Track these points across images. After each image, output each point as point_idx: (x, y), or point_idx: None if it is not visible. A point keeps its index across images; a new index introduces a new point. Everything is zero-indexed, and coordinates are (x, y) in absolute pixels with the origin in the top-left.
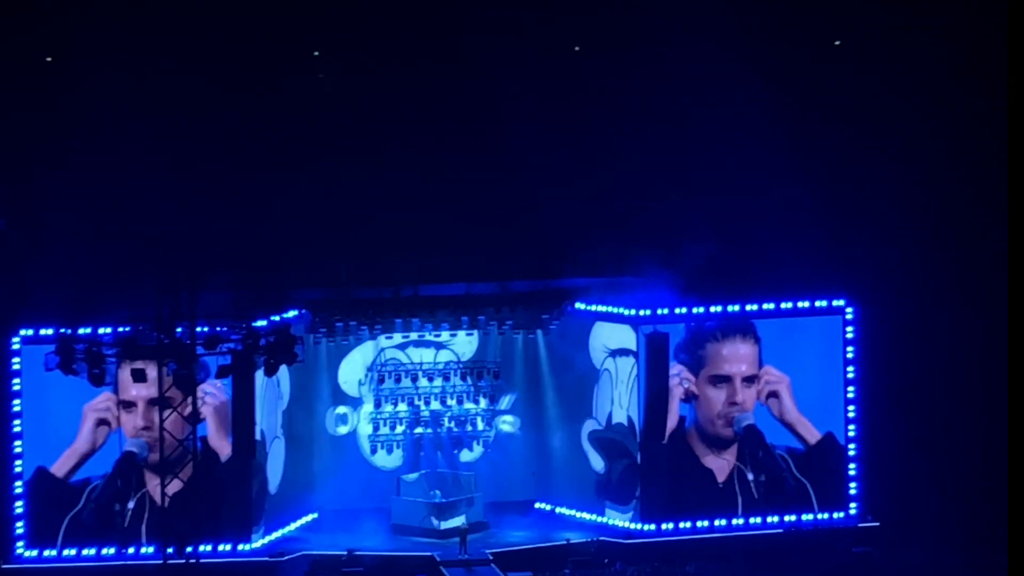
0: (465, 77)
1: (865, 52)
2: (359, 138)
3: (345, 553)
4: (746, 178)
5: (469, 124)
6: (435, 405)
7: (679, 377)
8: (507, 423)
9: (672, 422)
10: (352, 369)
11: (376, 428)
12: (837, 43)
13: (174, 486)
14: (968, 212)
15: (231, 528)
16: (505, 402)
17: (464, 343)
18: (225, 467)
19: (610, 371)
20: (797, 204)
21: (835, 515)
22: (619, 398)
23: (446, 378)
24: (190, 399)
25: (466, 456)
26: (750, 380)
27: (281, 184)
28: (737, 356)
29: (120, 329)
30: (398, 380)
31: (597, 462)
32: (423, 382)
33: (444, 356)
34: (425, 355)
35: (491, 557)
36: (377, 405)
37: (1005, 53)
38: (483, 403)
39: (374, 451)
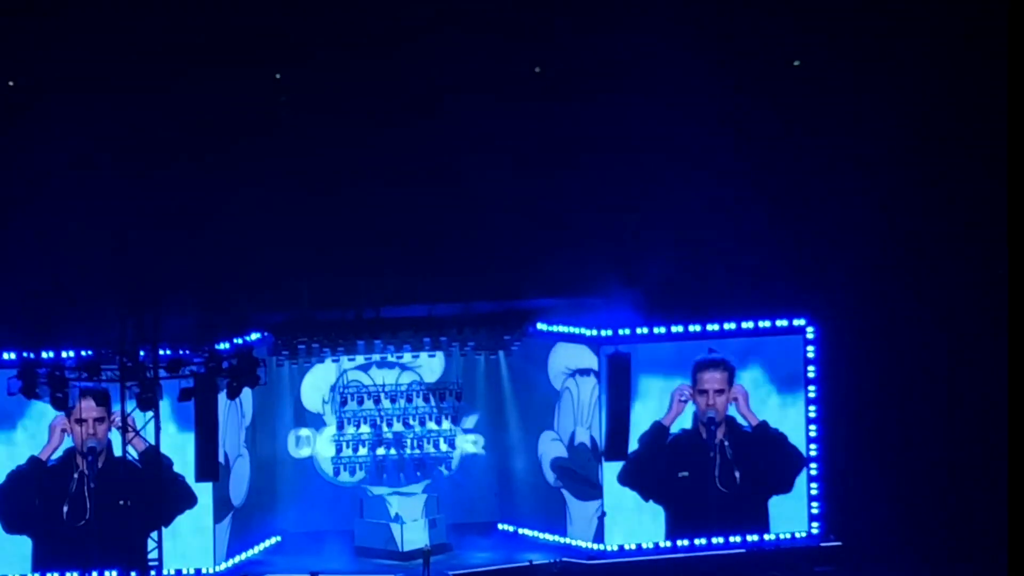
0: (424, 98)
1: (825, 72)
2: (320, 162)
3: None
4: (706, 196)
5: (429, 146)
6: (398, 427)
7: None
8: (470, 444)
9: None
10: (315, 391)
11: (339, 450)
12: (796, 63)
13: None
14: (929, 230)
15: (194, 552)
16: (468, 423)
17: (427, 364)
18: (188, 491)
19: (571, 390)
20: (757, 222)
21: (797, 534)
22: (580, 418)
23: (409, 399)
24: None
25: (429, 477)
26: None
27: (244, 207)
28: (714, 381)
29: (83, 353)
30: (361, 402)
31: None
32: (386, 403)
33: (407, 377)
34: (388, 376)
35: None
36: (340, 427)
37: (967, 72)
38: (446, 424)
39: (337, 473)
